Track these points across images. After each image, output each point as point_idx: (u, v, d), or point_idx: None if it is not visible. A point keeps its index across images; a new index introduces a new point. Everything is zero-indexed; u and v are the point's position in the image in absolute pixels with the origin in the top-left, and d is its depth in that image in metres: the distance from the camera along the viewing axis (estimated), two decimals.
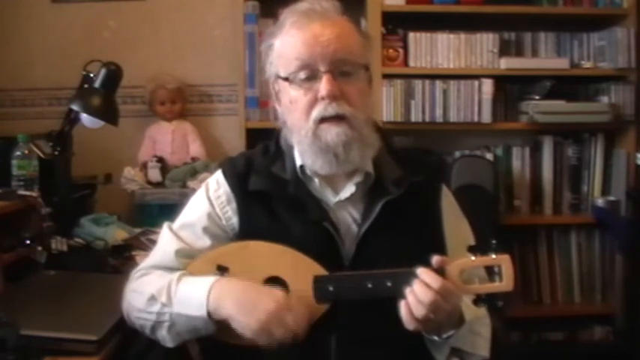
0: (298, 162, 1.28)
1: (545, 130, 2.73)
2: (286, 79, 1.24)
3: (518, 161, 2.77)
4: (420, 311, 1.08)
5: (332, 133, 1.20)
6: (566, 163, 2.78)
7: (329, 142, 1.21)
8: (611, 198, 2.72)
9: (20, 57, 2.77)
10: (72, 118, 2.07)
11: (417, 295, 1.08)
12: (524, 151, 2.77)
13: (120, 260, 1.88)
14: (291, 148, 1.30)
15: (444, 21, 2.66)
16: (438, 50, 2.65)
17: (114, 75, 2.05)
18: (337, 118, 1.21)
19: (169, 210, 1.46)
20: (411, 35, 2.64)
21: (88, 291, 1.62)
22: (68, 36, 2.76)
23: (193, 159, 2.66)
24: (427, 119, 2.64)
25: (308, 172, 1.28)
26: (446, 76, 2.65)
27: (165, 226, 1.34)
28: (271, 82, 1.31)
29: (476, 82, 2.64)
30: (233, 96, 2.79)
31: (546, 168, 2.77)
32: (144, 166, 2.63)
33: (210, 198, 1.32)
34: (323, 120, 1.21)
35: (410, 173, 1.28)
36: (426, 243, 1.19)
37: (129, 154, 2.70)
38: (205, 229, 1.29)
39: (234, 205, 1.30)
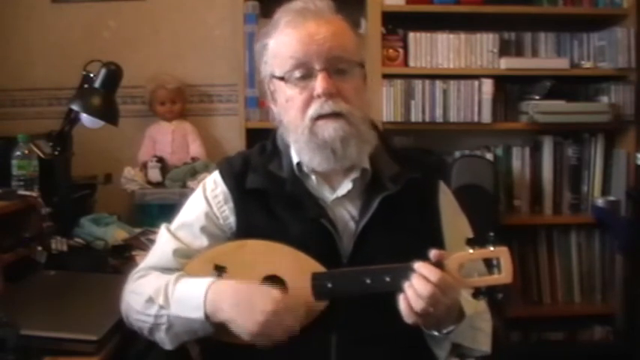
0: (295, 160, 1.28)
1: (545, 130, 2.73)
2: (282, 78, 1.25)
3: (518, 161, 2.77)
4: (418, 304, 1.08)
5: (329, 129, 1.21)
6: (566, 163, 2.78)
7: (326, 139, 1.21)
8: (611, 198, 2.72)
9: (20, 57, 2.77)
10: (72, 118, 2.07)
11: (416, 289, 1.08)
12: (524, 151, 2.77)
13: (120, 260, 1.88)
14: (287, 146, 1.30)
15: (444, 21, 2.66)
16: (438, 50, 2.65)
17: (114, 75, 2.05)
18: (334, 115, 1.21)
19: (169, 210, 1.46)
20: (411, 35, 2.64)
21: (88, 291, 1.62)
22: (68, 36, 2.76)
23: (193, 159, 2.66)
24: (427, 119, 2.64)
25: (305, 169, 1.28)
26: (446, 76, 2.65)
27: (163, 226, 1.34)
28: (266, 81, 1.31)
29: (476, 82, 2.64)
30: (233, 96, 2.79)
31: (546, 168, 2.77)
32: (144, 166, 2.63)
33: (208, 197, 1.32)
34: (319, 117, 1.21)
35: (407, 170, 1.28)
36: (424, 239, 1.19)
37: (129, 154, 2.70)
38: (203, 229, 1.29)
39: (231, 204, 1.30)
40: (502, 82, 2.71)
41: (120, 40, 2.76)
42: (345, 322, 1.20)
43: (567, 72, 2.68)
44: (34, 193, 1.85)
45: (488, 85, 2.64)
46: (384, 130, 1.40)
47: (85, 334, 1.25)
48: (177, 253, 1.28)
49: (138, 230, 2.20)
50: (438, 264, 1.10)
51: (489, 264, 1.14)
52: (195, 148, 2.72)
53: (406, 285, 1.09)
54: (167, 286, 1.21)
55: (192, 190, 1.41)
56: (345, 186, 1.27)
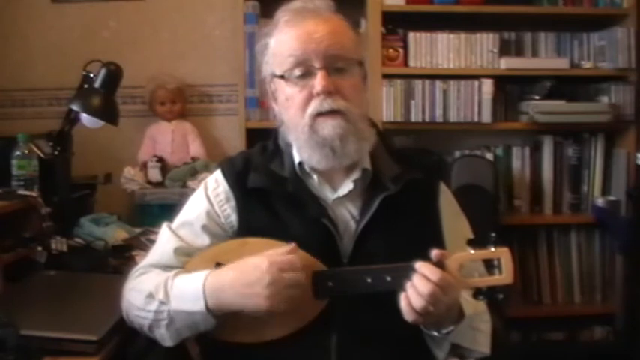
0: (296, 159, 1.29)
1: (545, 130, 2.73)
2: (281, 76, 1.25)
3: (518, 161, 2.77)
4: (419, 303, 1.08)
5: (328, 126, 1.22)
6: (566, 163, 2.78)
7: (325, 136, 1.22)
8: (611, 198, 2.72)
9: (20, 57, 2.77)
10: (72, 118, 2.07)
11: (417, 287, 1.08)
12: (524, 151, 2.77)
13: (120, 260, 1.88)
14: (288, 146, 1.31)
15: (444, 21, 2.66)
16: (438, 50, 2.65)
17: (114, 75, 2.05)
18: (333, 113, 1.22)
19: (169, 210, 1.46)
20: (411, 35, 2.64)
21: (88, 291, 1.62)
22: (68, 36, 2.76)
23: (193, 159, 2.66)
24: (427, 119, 2.64)
25: (306, 169, 1.28)
26: (446, 76, 2.65)
27: (164, 225, 1.35)
28: (267, 81, 1.32)
29: (476, 82, 2.64)
30: (233, 96, 2.79)
31: (546, 168, 2.77)
32: (144, 166, 2.63)
33: (209, 196, 1.32)
34: (319, 115, 1.22)
35: (408, 171, 1.29)
36: (425, 239, 1.19)
37: (129, 154, 2.70)
38: (204, 228, 1.30)
39: (232, 203, 1.30)
40: (502, 82, 2.71)
41: (120, 40, 2.76)
42: (345, 322, 1.20)
43: (567, 72, 2.68)
44: (34, 193, 1.85)
45: (488, 85, 2.63)
46: (384, 130, 1.40)
47: (85, 334, 1.25)
48: (178, 251, 1.29)
49: (138, 230, 2.21)
50: (439, 263, 1.10)
51: (490, 264, 1.14)
52: (195, 148, 2.72)
53: (408, 284, 1.10)
54: (166, 281, 1.21)
55: (193, 190, 1.42)
56: (347, 186, 1.28)
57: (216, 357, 1.27)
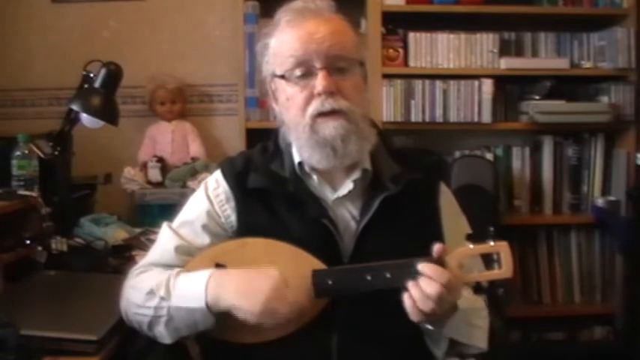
0: (297, 159, 1.29)
1: (545, 130, 2.73)
2: (282, 76, 1.25)
3: (518, 161, 2.77)
4: (426, 305, 1.08)
5: (329, 126, 1.22)
6: (566, 163, 2.78)
7: (326, 136, 1.22)
8: (611, 198, 2.72)
9: (20, 57, 2.77)
10: (72, 118, 2.07)
11: (423, 289, 1.08)
12: (524, 151, 2.77)
13: (120, 260, 1.88)
14: (289, 146, 1.31)
15: (444, 21, 2.66)
16: (438, 50, 2.65)
17: (114, 75, 2.05)
18: (334, 113, 1.22)
19: (169, 210, 1.46)
20: (411, 35, 2.64)
21: (88, 291, 1.62)
22: (68, 36, 2.76)
23: (193, 159, 2.66)
24: (427, 119, 2.64)
25: (306, 169, 1.28)
26: (446, 76, 2.65)
27: (165, 224, 1.35)
28: (268, 81, 1.32)
29: (476, 82, 2.64)
30: (233, 96, 2.79)
31: (546, 168, 2.78)
32: (144, 166, 2.63)
33: (210, 196, 1.32)
34: (320, 115, 1.22)
35: (408, 171, 1.29)
36: (425, 239, 1.19)
37: (129, 154, 2.70)
38: (204, 227, 1.30)
39: (232, 203, 1.30)
40: (502, 82, 2.71)
41: (120, 40, 2.76)
42: (345, 322, 1.20)
43: (567, 72, 2.68)
44: (34, 193, 1.85)
45: (488, 85, 2.64)
46: (384, 130, 1.40)
47: (85, 334, 1.25)
48: (179, 249, 1.29)
49: (138, 230, 2.21)
50: (440, 260, 1.11)
51: (489, 259, 1.15)
52: (195, 148, 2.72)
53: (411, 285, 1.10)
54: (169, 279, 1.22)
55: (193, 190, 1.42)
56: (347, 186, 1.28)
57: (216, 357, 1.27)
